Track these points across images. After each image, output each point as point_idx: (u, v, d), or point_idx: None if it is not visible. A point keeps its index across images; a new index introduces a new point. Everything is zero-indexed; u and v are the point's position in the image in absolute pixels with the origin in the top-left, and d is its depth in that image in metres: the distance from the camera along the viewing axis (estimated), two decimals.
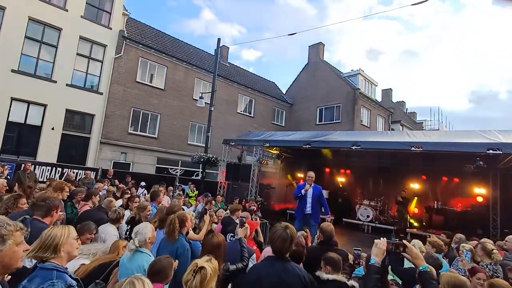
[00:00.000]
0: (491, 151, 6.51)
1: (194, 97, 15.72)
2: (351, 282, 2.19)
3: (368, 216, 10.85)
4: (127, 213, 4.31)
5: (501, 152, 6.47)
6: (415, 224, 10.74)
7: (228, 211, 5.17)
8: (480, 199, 10.02)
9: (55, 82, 11.63)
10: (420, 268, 1.88)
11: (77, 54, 12.35)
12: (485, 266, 3.36)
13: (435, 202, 10.66)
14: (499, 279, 2.63)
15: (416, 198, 11.06)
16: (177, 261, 2.46)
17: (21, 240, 1.50)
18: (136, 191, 7.99)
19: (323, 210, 6.54)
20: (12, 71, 10.65)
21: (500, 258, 3.46)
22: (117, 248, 2.98)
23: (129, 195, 5.30)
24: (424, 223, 10.69)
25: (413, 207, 11.03)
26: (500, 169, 9.00)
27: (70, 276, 1.77)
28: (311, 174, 6.54)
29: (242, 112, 19.11)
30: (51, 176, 9.76)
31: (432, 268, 1.98)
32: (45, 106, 11.42)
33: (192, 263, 1.83)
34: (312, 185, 6.43)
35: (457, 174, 10.13)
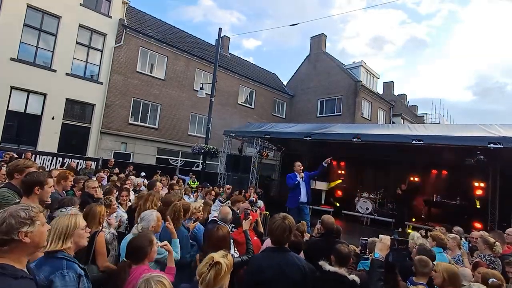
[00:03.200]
0: (492, 145, 6.52)
1: (194, 88, 15.63)
2: (352, 276, 2.20)
3: (367, 209, 10.92)
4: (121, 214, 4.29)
5: (502, 146, 6.46)
6: (414, 217, 10.82)
7: (229, 202, 5.20)
8: (479, 192, 10.06)
9: (55, 71, 11.55)
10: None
11: (77, 43, 12.22)
12: (482, 256, 3.40)
13: (434, 195, 10.71)
14: (491, 270, 2.67)
15: (415, 192, 11.09)
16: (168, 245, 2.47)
17: (45, 221, 1.55)
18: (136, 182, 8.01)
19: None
20: (11, 59, 10.56)
21: (500, 251, 3.50)
22: (95, 216, 2.74)
23: (127, 185, 5.27)
24: (423, 216, 10.77)
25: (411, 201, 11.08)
26: (500, 163, 9.01)
27: (78, 265, 1.77)
28: (299, 163, 6.71)
29: (242, 104, 19.03)
30: (51, 166, 9.80)
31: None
32: (45, 95, 11.37)
33: (208, 257, 1.82)
34: (304, 172, 6.63)
35: (457, 168, 10.13)
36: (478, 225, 9.37)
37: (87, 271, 1.83)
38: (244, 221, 3.13)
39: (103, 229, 2.80)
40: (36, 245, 1.48)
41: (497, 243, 3.58)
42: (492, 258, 3.37)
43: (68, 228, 1.80)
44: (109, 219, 3.24)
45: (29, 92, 11.10)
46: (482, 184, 10.05)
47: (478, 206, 9.89)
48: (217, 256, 1.80)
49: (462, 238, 4.50)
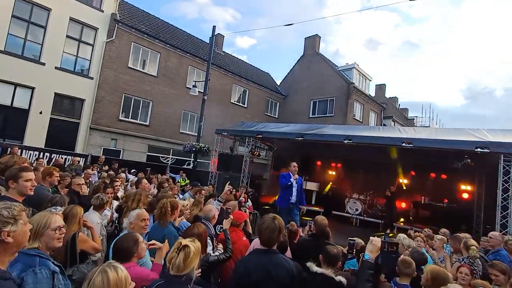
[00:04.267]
0: (479, 150, 6.64)
1: (187, 86, 15.50)
2: (339, 278, 2.21)
3: (356, 210, 11.03)
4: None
5: (488, 151, 6.60)
6: (402, 218, 10.98)
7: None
8: (465, 195, 10.30)
9: (44, 64, 11.27)
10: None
11: (67, 36, 11.96)
12: (461, 259, 3.47)
13: (422, 197, 10.88)
14: (480, 281, 2.73)
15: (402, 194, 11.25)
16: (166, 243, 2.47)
17: (27, 220, 1.53)
18: (126, 178, 7.90)
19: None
20: None
21: (476, 255, 3.57)
22: (75, 216, 2.64)
23: (118, 182, 5.18)
24: (411, 218, 10.93)
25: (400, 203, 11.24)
26: (487, 167, 9.21)
27: (53, 262, 1.72)
28: (295, 164, 6.67)
29: (235, 103, 18.97)
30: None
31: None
32: (32, 89, 11.09)
33: (176, 242, 1.90)
34: (298, 176, 6.63)
35: (445, 171, 10.33)
36: (463, 226, 9.59)
37: (63, 268, 1.78)
38: (224, 220, 3.18)
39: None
40: (18, 245, 1.45)
41: (473, 246, 3.66)
42: (470, 260, 3.44)
43: (38, 227, 1.75)
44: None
45: (16, 85, 10.81)
46: (469, 188, 10.29)
47: (464, 209, 10.12)
48: (185, 240, 1.89)
49: (444, 239, 4.58)
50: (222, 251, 2.91)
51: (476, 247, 3.73)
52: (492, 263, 3.12)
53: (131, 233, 2.30)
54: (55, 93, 11.59)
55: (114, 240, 2.61)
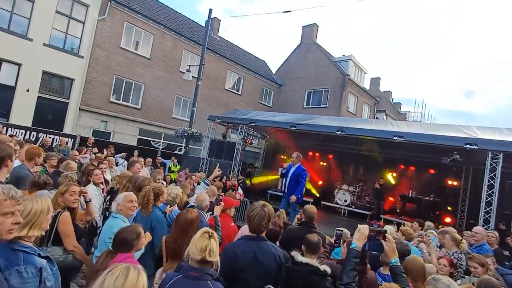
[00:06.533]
0: (468, 146, 6.76)
1: (181, 70, 15.19)
2: (323, 267, 2.22)
3: (345, 201, 11.18)
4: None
5: (477, 148, 6.71)
6: (390, 210, 11.22)
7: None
8: (452, 191, 10.57)
9: (31, 40, 10.83)
10: (392, 261, 1.99)
11: (56, 12, 11.46)
12: (451, 254, 3.54)
13: (410, 191, 11.10)
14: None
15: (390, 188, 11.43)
16: (147, 233, 2.44)
17: (11, 211, 1.37)
18: (116, 162, 7.78)
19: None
20: None
21: (466, 249, 3.66)
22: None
23: (104, 165, 5.07)
24: (398, 210, 11.16)
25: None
26: (474, 163, 9.41)
27: (39, 254, 1.56)
28: (295, 154, 6.57)
29: (229, 89, 18.74)
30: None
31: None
32: (19, 65, 10.68)
33: (202, 230, 1.85)
34: (297, 165, 6.42)
35: (434, 166, 10.51)
36: (448, 220, 9.87)
37: (50, 257, 1.66)
38: (215, 206, 3.17)
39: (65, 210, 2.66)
40: None
41: (463, 240, 3.74)
42: (459, 255, 3.52)
43: (41, 214, 1.61)
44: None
45: (1, 60, 10.39)
46: (455, 183, 10.54)
47: (449, 203, 10.39)
48: (208, 229, 1.86)
49: (433, 233, 4.68)
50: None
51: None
52: (471, 256, 3.20)
53: (135, 226, 2.27)
54: (43, 71, 11.20)
55: (108, 224, 2.61)
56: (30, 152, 3.80)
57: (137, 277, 1.18)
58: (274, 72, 23.14)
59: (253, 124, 10.45)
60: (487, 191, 6.70)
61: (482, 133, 7.15)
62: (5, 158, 2.31)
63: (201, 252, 1.70)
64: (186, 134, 11.00)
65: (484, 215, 6.64)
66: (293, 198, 6.09)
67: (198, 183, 6.20)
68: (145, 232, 2.31)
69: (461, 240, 3.71)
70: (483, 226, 6.22)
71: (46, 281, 1.52)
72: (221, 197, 3.31)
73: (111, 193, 4.18)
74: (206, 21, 12.45)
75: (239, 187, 9.12)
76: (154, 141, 15.04)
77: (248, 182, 12.62)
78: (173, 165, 10.87)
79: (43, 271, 1.51)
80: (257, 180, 14.05)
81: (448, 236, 3.82)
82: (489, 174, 6.71)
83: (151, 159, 8.99)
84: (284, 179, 6.71)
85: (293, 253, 2.31)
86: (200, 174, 8.12)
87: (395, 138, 7.58)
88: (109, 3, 12.67)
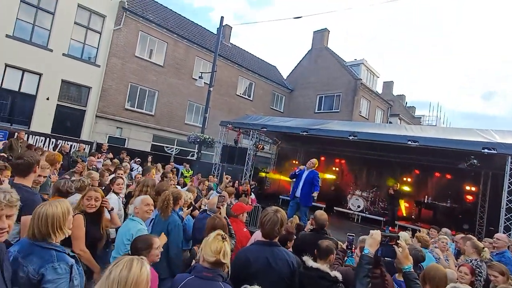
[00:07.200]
0: (486, 150, 6.54)
1: (193, 76, 15.45)
2: (334, 273, 2.21)
3: (359, 206, 11.00)
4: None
5: (495, 152, 6.50)
6: (405, 217, 10.95)
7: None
8: (470, 197, 10.22)
9: (51, 50, 11.30)
10: (405, 267, 1.94)
11: (75, 23, 11.95)
12: (469, 261, 3.43)
13: (425, 196, 10.82)
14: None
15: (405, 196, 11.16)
16: (164, 236, 2.49)
17: (5, 213, 1.39)
18: (131, 167, 7.97)
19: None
20: (7, 36, 10.29)
21: (488, 257, 3.54)
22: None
23: (122, 171, 5.21)
24: (413, 217, 10.89)
25: (402, 204, 11.18)
26: (493, 168, 9.10)
27: (68, 254, 1.69)
28: (312, 160, 6.57)
29: (241, 95, 18.90)
30: (44, 147, 9.68)
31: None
32: (40, 75, 11.15)
33: (214, 233, 1.86)
34: (310, 170, 6.43)
35: (450, 171, 10.23)
36: (466, 226, 9.54)
37: (77, 257, 1.78)
38: (221, 207, 3.21)
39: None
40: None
41: (485, 248, 3.62)
42: (478, 262, 3.41)
43: (63, 216, 1.67)
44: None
45: (24, 70, 10.88)
46: (473, 188, 10.18)
47: (467, 210, 10.04)
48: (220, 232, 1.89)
49: (449, 240, 4.56)
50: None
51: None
52: (491, 264, 3.09)
53: (149, 237, 2.24)
54: (62, 80, 11.65)
55: (125, 227, 2.68)
56: (51, 159, 3.99)
57: (141, 268, 1.26)
58: (285, 78, 23.18)
59: (265, 129, 10.47)
60: (507, 197, 6.47)
61: (501, 137, 6.91)
62: (34, 165, 2.48)
63: (215, 254, 1.73)
64: (198, 140, 11.15)
65: (505, 222, 6.41)
66: (315, 193, 6.12)
67: (211, 189, 6.30)
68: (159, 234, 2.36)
69: (483, 248, 3.58)
70: (503, 233, 6.00)
71: (74, 279, 1.62)
72: (223, 198, 3.31)
73: (127, 197, 4.29)
74: (217, 28, 12.67)
75: (251, 193, 9.12)
76: (167, 147, 15.29)
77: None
78: (186, 171, 11.01)
79: (73, 269, 1.62)
80: (271, 176, 14.18)
81: (470, 243, 3.70)
82: (509, 180, 6.48)
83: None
84: (294, 181, 6.66)
85: (305, 258, 2.31)
86: (211, 178, 8.24)
87: (409, 142, 7.43)
88: (124, 13, 13.10)
